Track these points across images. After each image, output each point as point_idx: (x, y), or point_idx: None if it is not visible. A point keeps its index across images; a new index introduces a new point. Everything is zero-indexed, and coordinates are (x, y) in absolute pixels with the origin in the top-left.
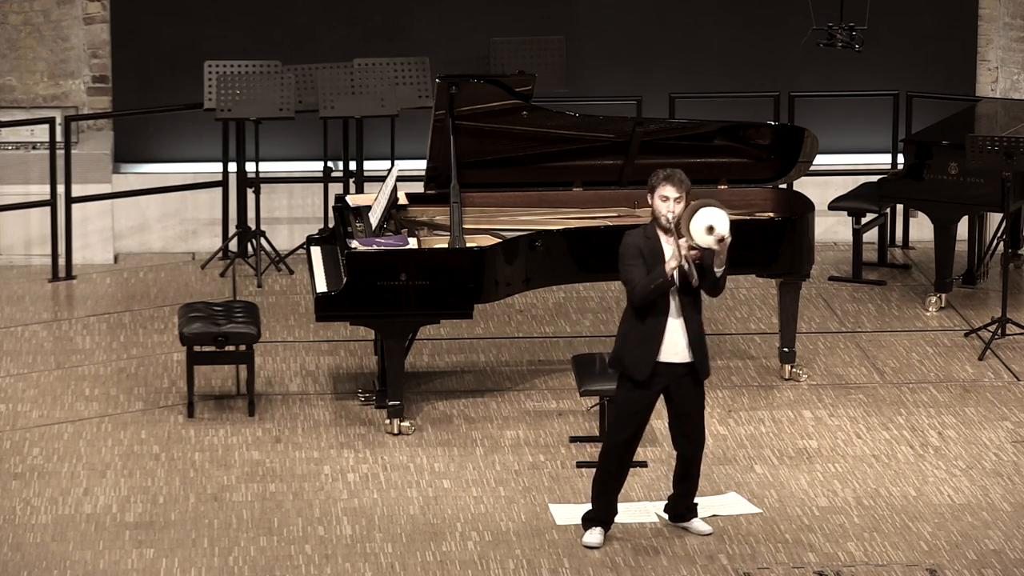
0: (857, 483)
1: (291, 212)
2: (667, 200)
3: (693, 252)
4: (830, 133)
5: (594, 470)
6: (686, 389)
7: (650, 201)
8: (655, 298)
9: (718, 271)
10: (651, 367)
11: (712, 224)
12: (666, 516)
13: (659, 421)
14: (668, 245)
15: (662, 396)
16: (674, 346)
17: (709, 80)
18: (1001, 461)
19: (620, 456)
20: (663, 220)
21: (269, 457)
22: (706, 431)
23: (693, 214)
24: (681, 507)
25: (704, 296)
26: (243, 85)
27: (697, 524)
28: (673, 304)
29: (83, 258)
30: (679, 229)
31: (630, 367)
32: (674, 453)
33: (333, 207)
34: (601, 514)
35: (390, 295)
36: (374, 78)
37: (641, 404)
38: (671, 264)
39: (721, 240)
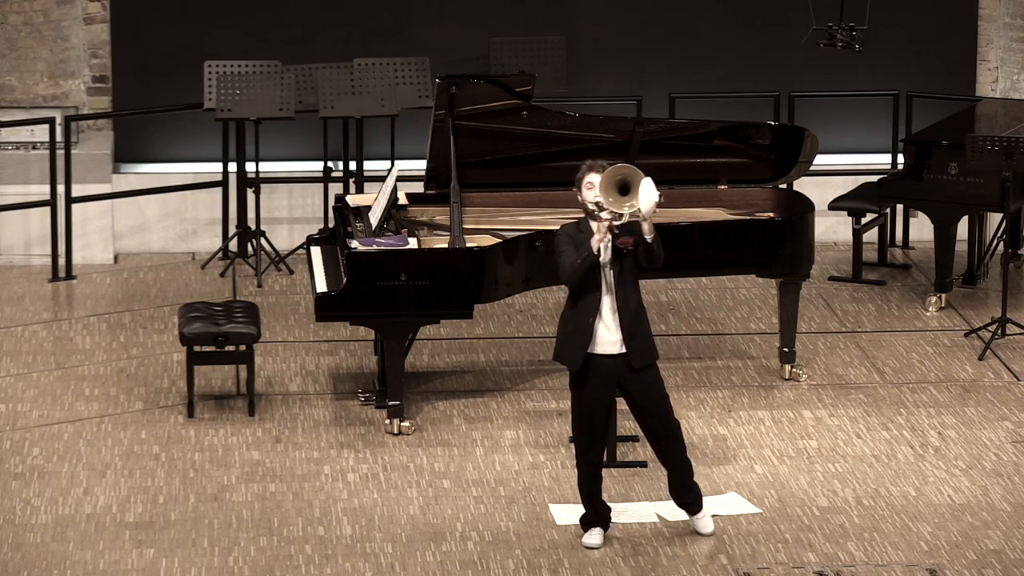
0: (857, 483)
1: (291, 212)
2: (593, 187)
3: (617, 222)
4: (830, 133)
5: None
6: (633, 383)
7: (579, 197)
8: (583, 273)
9: (648, 237)
10: (582, 358)
11: (626, 181)
12: (673, 503)
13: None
14: (596, 230)
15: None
16: (608, 338)
17: (709, 80)
18: (1001, 461)
19: (586, 460)
20: (591, 207)
21: (269, 457)
22: (676, 417)
23: (612, 182)
24: (684, 493)
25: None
26: (243, 85)
27: (702, 522)
28: (606, 294)
29: (83, 258)
30: (599, 204)
31: (565, 359)
32: None
33: (333, 207)
34: (593, 516)
35: (390, 295)
36: (374, 78)
37: (591, 403)
38: (596, 238)
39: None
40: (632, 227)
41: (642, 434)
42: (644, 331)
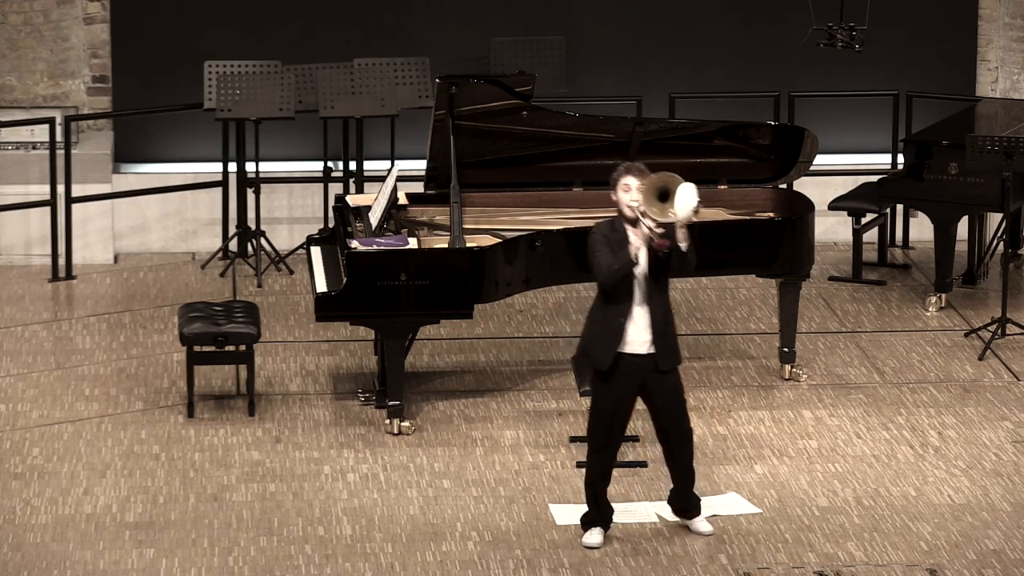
0: (857, 483)
1: (291, 212)
2: (629, 189)
3: (659, 230)
4: (830, 133)
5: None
6: (657, 384)
7: (614, 197)
8: (619, 279)
9: (683, 245)
10: (612, 356)
11: (666, 188)
12: (669, 509)
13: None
14: (633, 235)
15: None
16: (638, 338)
17: (709, 80)
18: (1001, 461)
19: (602, 458)
20: (627, 211)
21: (269, 457)
22: (691, 424)
23: (653, 190)
24: (684, 501)
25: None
26: (243, 85)
27: (699, 524)
28: (638, 295)
29: (83, 258)
30: (642, 212)
31: (594, 357)
32: None
33: (333, 207)
34: (596, 515)
35: (390, 295)
36: (374, 78)
37: (613, 402)
38: (635, 245)
39: (667, 197)
40: (669, 229)
41: (654, 436)
42: (672, 333)
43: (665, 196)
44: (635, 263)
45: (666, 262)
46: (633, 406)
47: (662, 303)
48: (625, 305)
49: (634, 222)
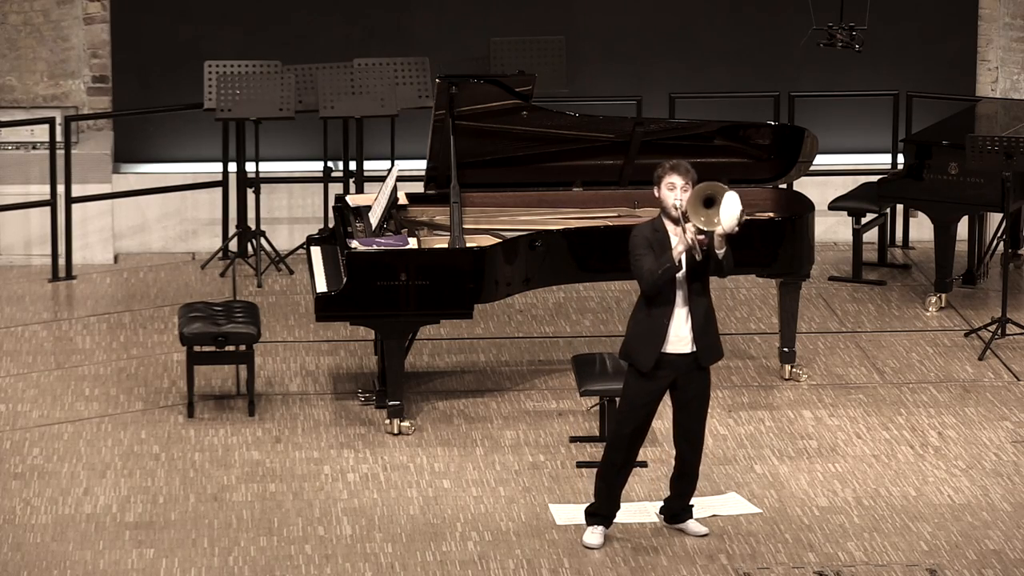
0: (857, 483)
1: (291, 212)
2: (674, 188)
3: (700, 237)
4: (830, 133)
5: (596, 468)
6: (691, 380)
7: (657, 194)
8: (663, 283)
9: (720, 252)
10: (655, 358)
11: (712, 196)
12: (661, 517)
13: (660, 421)
14: (675, 236)
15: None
16: (680, 337)
17: (709, 80)
18: (1001, 461)
19: (626, 449)
20: (672, 210)
21: (269, 457)
22: (706, 432)
23: (699, 198)
24: (676, 507)
25: (715, 283)
26: (243, 85)
27: (693, 525)
28: (680, 295)
29: (83, 258)
30: (685, 215)
31: (636, 358)
32: (673, 453)
33: (333, 207)
34: (604, 508)
35: (390, 295)
36: (374, 78)
37: (647, 395)
38: (678, 248)
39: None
40: (708, 235)
41: (652, 436)
42: (713, 331)
43: (710, 203)
44: (679, 268)
45: (704, 263)
46: (661, 399)
47: (703, 303)
48: (667, 307)
49: (677, 221)
